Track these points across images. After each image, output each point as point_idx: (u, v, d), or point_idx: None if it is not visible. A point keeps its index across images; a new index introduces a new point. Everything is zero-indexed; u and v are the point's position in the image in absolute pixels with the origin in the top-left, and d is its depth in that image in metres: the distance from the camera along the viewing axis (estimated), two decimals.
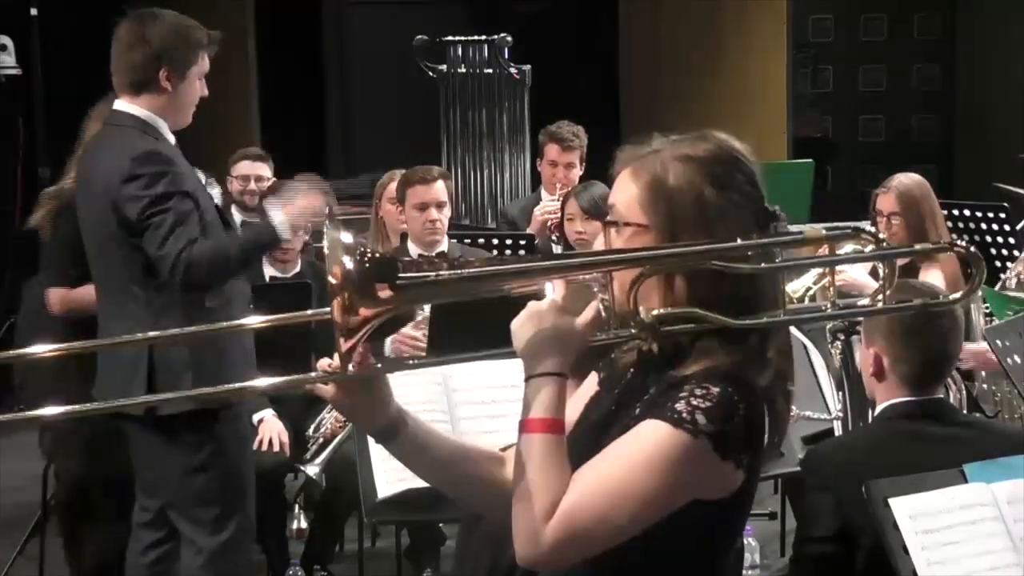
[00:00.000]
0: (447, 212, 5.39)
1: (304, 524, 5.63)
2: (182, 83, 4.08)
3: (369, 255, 1.94)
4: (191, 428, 4.05)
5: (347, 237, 1.94)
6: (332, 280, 1.92)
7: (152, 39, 4.06)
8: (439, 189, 5.36)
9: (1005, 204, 5.93)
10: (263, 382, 2.11)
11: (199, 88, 4.14)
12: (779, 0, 10.08)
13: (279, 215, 4.08)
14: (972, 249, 2.05)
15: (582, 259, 2.12)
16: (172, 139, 4.12)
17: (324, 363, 2.02)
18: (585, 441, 2.08)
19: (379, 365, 2.05)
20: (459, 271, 2.00)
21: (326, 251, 1.94)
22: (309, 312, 2.19)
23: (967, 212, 5.90)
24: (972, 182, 10.09)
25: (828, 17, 12.03)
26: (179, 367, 3.98)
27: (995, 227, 5.81)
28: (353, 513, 5.14)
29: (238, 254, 4.03)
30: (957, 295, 2.07)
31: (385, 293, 1.94)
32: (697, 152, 2.09)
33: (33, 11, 7.47)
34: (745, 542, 4.62)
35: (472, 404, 3.67)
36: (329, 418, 5.22)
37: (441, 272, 1.98)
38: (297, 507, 5.71)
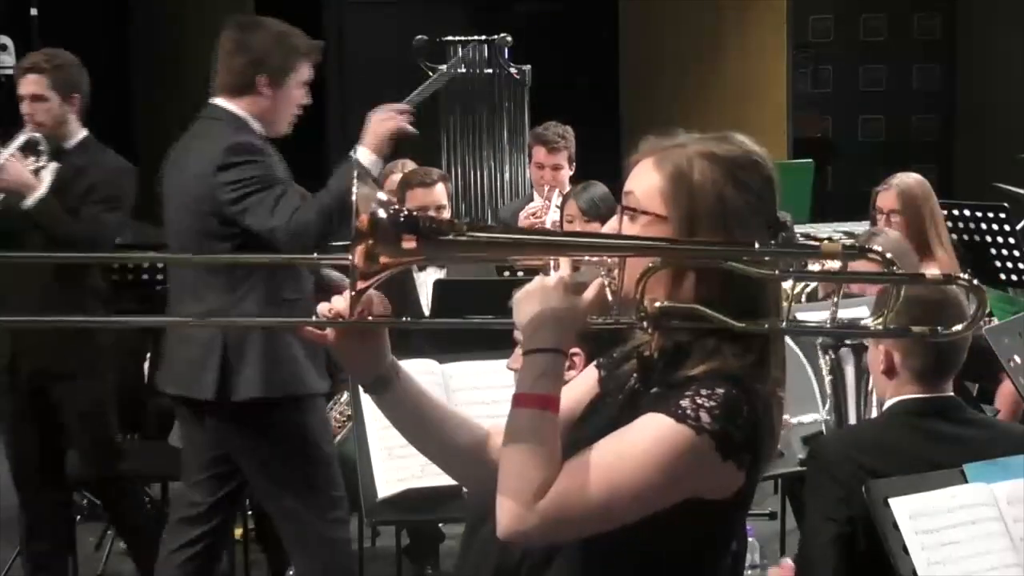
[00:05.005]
0: (446, 215, 5.42)
1: None
2: (280, 90, 4.17)
3: (399, 208, 1.99)
4: (275, 418, 4.12)
5: (381, 194, 1.99)
6: (360, 226, 1.95)
7: (252, 46, 4.16)
8: (439, 192, 5.41)
9: (1005, 204, 5.93)
10: (262, 320, 2.11)
11: (298, 96, 4.23)
12: (779, 0, 10.08)
13: (365, 153, 4.14)
14: (975, 282, 2.05)
15: (603, 240, 2.12)
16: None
17: (324, 308, 2.06)
18: (587, 445, 2.05)
19: (370, 317, 2.07)
20: (480, 235, 2.03)
21: (355, 203, 1.97)
22: (332, 256, 2.24)
23: (967, 212, 5.90)
24: (972, 182, 10.08)
25: (828, 17, 12.02)
26: (251, 356, 4.05)
27: (995, 227, 5.81)
28: (353, 513, 5.14)
29: (336, 203, 4.05)
30: (959, 327, 2.06)
31: (409, 244, 1.97)
32: (722, 152, 2.09)
33: (33, 11, 7.47)
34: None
35: (472, 404, 3.67)
36: (329, 418, 5.22)
37: (461, 233, 2.00)
38: None
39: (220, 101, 4.20)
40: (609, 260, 2.06)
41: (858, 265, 2.17)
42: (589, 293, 2.04)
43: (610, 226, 2.18)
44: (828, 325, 2.08)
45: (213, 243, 4.06)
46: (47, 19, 7.64)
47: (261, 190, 4.02)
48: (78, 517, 5.68)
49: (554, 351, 2.01)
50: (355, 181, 1.97)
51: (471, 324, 2.18)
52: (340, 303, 2.05)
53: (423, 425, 2.18)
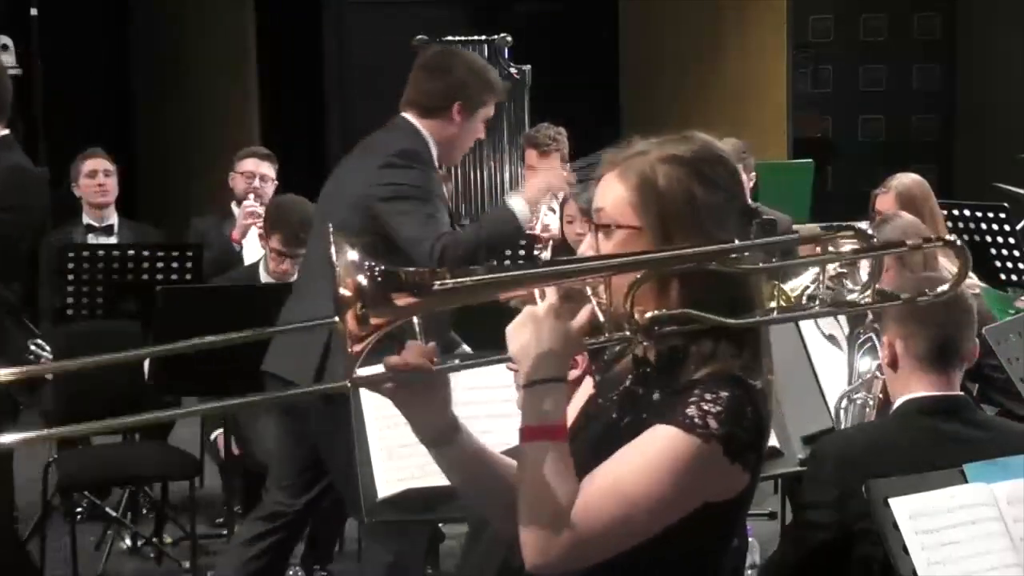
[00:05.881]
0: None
1: None
2: (468, 121, 4.30)
3: (378, 270, 1.96)
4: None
5: (353, 255, 1.96)
6: (345, 292, 1.94)
7: (454, 72, 4.29)
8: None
9: (1005, 204, 5.92)
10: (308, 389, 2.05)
11: (479, 130, 4.37)
12: (779, 0, 10.08)
13: (519, 202, 4.26)
14: (957, 243, 2.07)
15: (591, 264, 2.10)
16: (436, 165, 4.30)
17: (393, 360, 2.02)
18: (589, 453, 2.06)
19: (358, 376, 2.03)
20: (464, 279, 2.00)
21: (336, 267, 1.95)
22: (318, 321, 2.21)
23: (967, 212, 5.89)
24: (972, 182, 10.08)
25: (828, 17, 12.02)
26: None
27: (995, 227, 5.80)
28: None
29: (486, 242, 4.17)
30: (944, 287, 2.08)
31: (403, 301, 1.96)
32: (683, 152, 2.09)
33: (33, 11, 7.48)
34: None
35: (472, 404, 3.66)
36: None
37: (446, 280, 1.99)
38: None
39: (409, 117, 4.29)
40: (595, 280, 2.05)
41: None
42: (580, 316, 2.03)
43: (586, 243, 2.16)
44: (816, 306, 2.09)
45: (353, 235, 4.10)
46: (47, 19, 7.65)
47: (415, 199, 4.10)
48: (78, 517, 5.69)
49: (555, 380, 2.00)
50: (333, 249, 1.95)
51: (467, 366, 2.16)
52: (409, 354, 2.03)
53: (475, 480, 2.14)
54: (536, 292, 2.03)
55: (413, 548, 4.25)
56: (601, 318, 2.03)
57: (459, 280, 1.99)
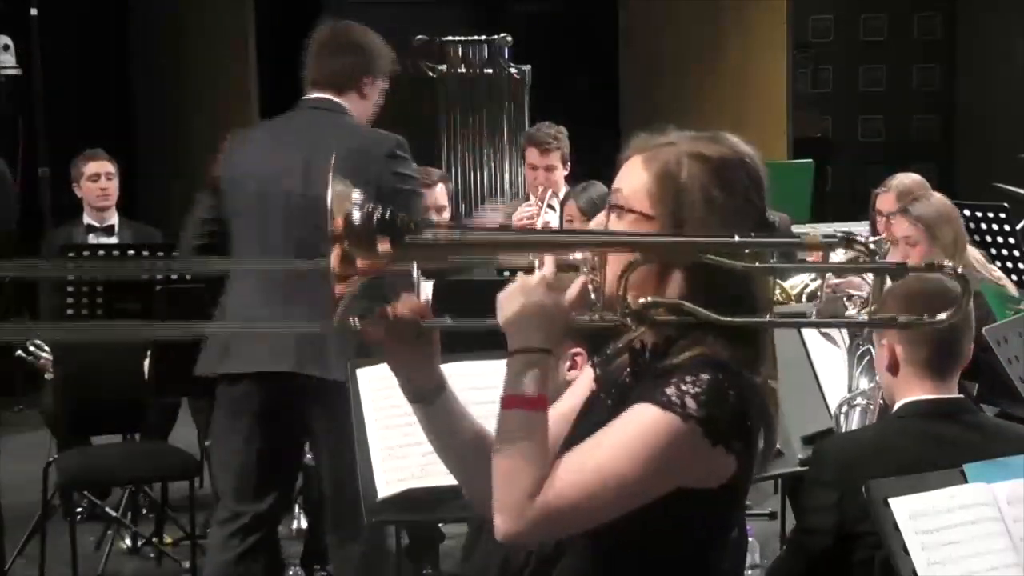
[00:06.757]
0: (446, 216, 5.42)
1: (304, 524, 5.63)
2: (373, 95, 4.27)
3: (375, 209, 1.96)
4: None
5: (356, 194, 1.96)
6: (334, 228, 1.93)
7: (362, 46, 4.27)
8: (439, 193, 5.40)
9: (1005, 204, 5.92)
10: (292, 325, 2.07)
11: (379, 103, 4.33)
12: (779, 0, 10.08)
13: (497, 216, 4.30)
14: (960, 271, 2.05)
15: (579, 236, 2.13)
16: None
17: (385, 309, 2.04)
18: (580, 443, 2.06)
19: (357, 322, 2.04)
20: (458, 236, 2.02)
21: (330, 202, 1.94)
22: (307, 261, 2.19)
23: (967, 212, 5.89)
24: (972, 182, 10.09)
25: (828, 17, 12.03)
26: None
27: (995, 227, 5.80)
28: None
29: None
30: (943, 315, 2.07)
31: (384, 247, 1.95)
32: (711, 152, 2.09)
33: (33, 11, 7.48)
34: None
35: (472, 404, 3.65)
36: None
37: (440, 234, 2.00)
38: (297, 507, 5.71)
39: (329, 95, 4.22)
40: (593, 258, 2.06)
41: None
42: (572, 291, 2.05)
43: (598, 222, 2.18)
44: (814, 316, 2.08)
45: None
46: (47, 19, 7.65)
47: (420, 196, 4.18)
48: (78, 517, 5.69)
49: (538, 350, 2.01)
50: (330, 179, 1.93)
51: (458, 325, 2.16)
52: (401, 305, 2.05)
53: (457, 444, 2.16)
54: (536, 263, 2.04)
55: (377, 543, 4.21)
56: (592, 296, 2.05)
57: (452, 237, 2.01)
